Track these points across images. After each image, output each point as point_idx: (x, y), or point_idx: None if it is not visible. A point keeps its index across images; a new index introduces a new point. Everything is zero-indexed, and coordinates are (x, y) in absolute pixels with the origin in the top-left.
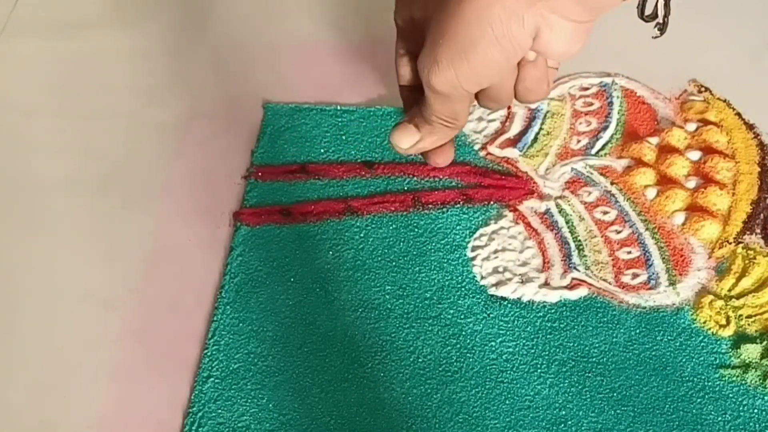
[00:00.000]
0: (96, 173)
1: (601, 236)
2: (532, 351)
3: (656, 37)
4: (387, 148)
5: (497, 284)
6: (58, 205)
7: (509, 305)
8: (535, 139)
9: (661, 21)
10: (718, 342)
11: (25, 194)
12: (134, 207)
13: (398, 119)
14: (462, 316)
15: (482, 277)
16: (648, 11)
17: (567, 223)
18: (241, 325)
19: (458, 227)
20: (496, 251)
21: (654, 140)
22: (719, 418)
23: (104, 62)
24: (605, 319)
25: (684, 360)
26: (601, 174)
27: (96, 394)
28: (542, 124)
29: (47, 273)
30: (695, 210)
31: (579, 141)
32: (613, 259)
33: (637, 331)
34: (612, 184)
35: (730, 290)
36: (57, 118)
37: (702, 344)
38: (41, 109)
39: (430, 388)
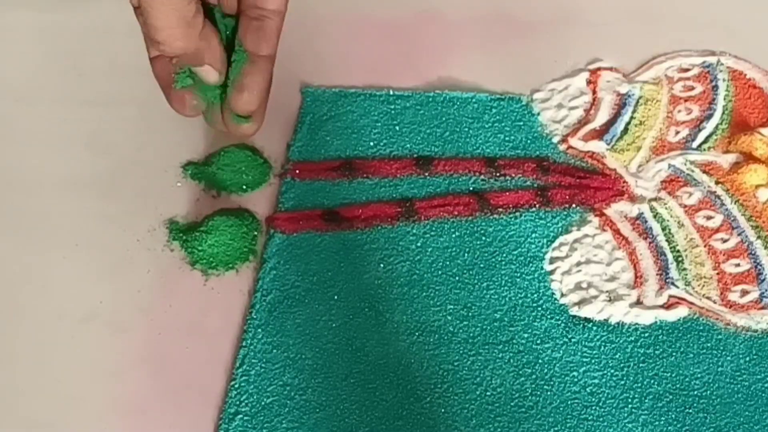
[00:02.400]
0: (102, 170)
1: (704, 246)
2: (622, 383)
3: None
4: (448, 141)
5: (580, 303)
6: (58, 208)
7: (594, 328)
8: (626, 130)
9: None
10: None
11: (19, 195)
12: (146, 210)
13: (461, 106)
14: (538, 341)
15: (562, 295)
16: None
17: (663, 230)
18: (274, 351)
19: (534, 235)
20: (578, 264)
21: (767, 131)
22: None
23: (111, 39)
24: (709, 345)
25: None
26: (704, 171)
27: None
28: (634, 112)
29: (44, 289)
30: None
31: (678, 132)
32: (718, 273)
33: (747, 358)
34: (717, 183)
35: None
36: (56, 104)
37: None
38: (37, 95)
39: (500, 427)
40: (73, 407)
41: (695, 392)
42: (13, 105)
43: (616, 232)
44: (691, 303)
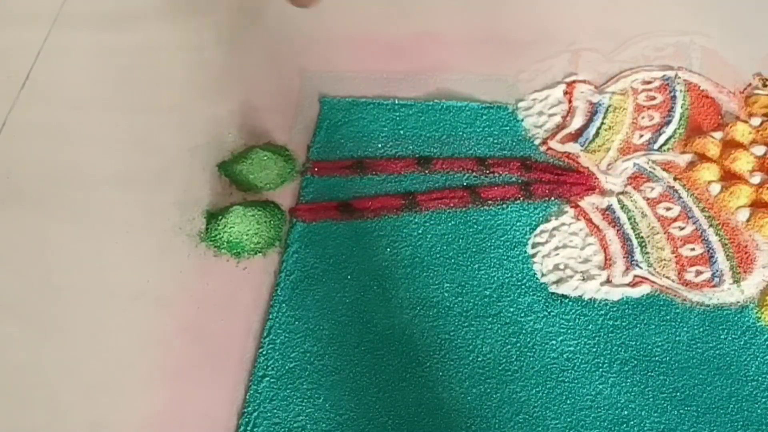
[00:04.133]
0: (149, 168)
1: (664, 233)
2: (594, 350)
3: None
4: (445, 143)
5: (558, 282)
6: (111, 200)
7: (570, 303)
8: (597, 134)
9: None
10: None
11: (77, 190)
12: (186, 202)
13: (456, 113)
14: (522, 314)
15: (543, 275)
16: None
17: (629, 219)
18: (296, 323)
19: (518, 223)
20: (557, 248)
21: (718, 135)
22: None
23: (156, 55)
24: (668, 318)
25: (748, 359)
26: (664, 169)
27: (148, 393)
28: (604, 118)
29: (99, 271)
30: (760, 206)
31: (641, 136)
32: (676, 256)
33: (701, 329)
34: (675, 179)
35: None
36: (108, 111)
37: (767, 343)
38: (92, 103)
39: (489, 388)
40: (125, 372)
41: (656, 358)
42: (71, 111)
43: (589, 221)
44: (653, 282)
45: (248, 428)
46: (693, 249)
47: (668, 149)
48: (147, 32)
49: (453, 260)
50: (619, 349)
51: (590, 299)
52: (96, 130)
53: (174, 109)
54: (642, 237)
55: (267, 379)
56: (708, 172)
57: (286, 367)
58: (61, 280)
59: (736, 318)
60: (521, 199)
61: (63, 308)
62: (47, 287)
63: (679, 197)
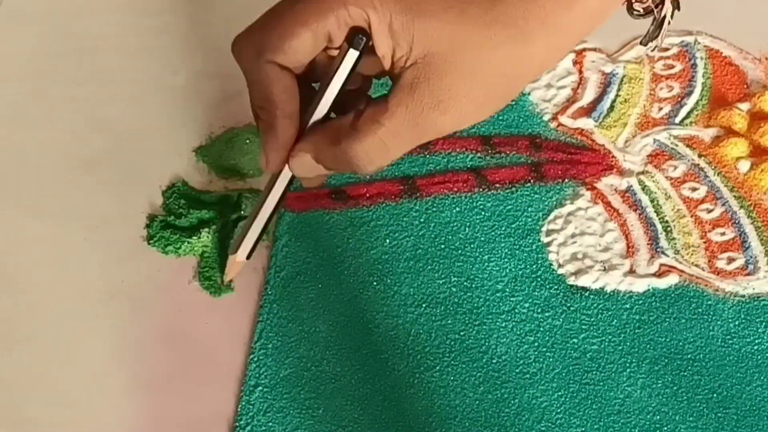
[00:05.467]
0: (116, 153)
1: (691, 216)
2: (620, 348)
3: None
4: None
5: (577, 273)
6: (76, 191)
7: (591, 296)
8: (612, 108)
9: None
10: None
11: (37, 178)
12: (154, 185)
13: None
14: (539, 310)
15: (560, 265)
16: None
17: (652, 201)
18: (290, 325)
19: (530, 209)
20: (573, 235)
21: (744, 106)
22: None
23: (100, 19)
24: (699, 310)
25: None
26: (687, 145)
27: (126, 407)
28: (619, 90)
29: (66, 271)
30: None
31: (661, 108)
32: (705, 242)
33: (736, 322)
34: (700, 156)
35: None
36: (52, 84)
37: None
38: (33, 76)
39: (506, 393)
40: (99, 383)
41: (689, 356)
42: (16, 86)
43: (608, 204)
44: (681, 271)
45: None
46: (723, 233)
47: (691, 123)
48: None
49: (459, 251)
50: (648, 346)
51: (613, 291)
52: (41, 106)
53: (137, 84)
54: (667, 221)
55: (260, 388)
56: (736, 148)
57: (281, 375)
58: (22, 283)
59: None
60: (532, 181)
61: (26, 314)
62: (7, 291)
63: (706, 176)
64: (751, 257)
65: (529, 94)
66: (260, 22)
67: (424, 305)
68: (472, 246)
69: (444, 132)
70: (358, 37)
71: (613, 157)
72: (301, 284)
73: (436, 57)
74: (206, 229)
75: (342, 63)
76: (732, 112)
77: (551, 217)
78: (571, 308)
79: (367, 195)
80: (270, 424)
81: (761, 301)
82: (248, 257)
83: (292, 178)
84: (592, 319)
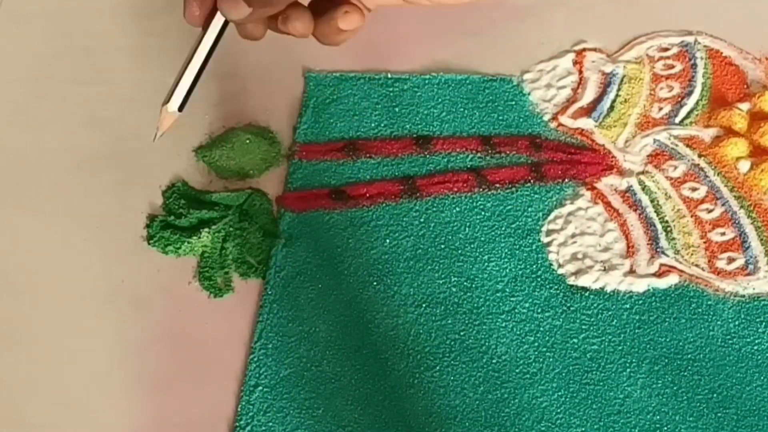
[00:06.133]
0: (117, 153)
1: (691, 216)
2: (620, 348)
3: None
4: (445, 121)
5: (577, 273)
6: (76, 191)
7: (591, 297)
8: (612, 108)
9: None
10: None
11: (38, 178)
12: (154, 185)
13: (456, 87)
14: (539, 310)
15: (560, 265)
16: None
17: (652, 201)
18: (290, 325)
19: (530, 209)
20: (573, 235)
21: (744, 106)
22: None
23: (100, 19)
24: (699, 310)
25: None
26: (687, 145)
27: (127, 408)
28: (619, 90)
29: (68, 271)
30: None
31: (661, 108)
32: (705, 242)
33: (736, 322)
34: (700, 156)
35: None
36: (52, 84)
37: None
38: (33, 76)
39: (506, 393)
40: (100, 384)
41: (689, 356)
42: (15, 86)
43: (608, 204)
44: (681, 271)
45: None
46: (723, 233)
47: (691, 123)
48: None
49: (460, 251)
50: (648, 346)
51: (613, 291)
52: (39, 106)
53: (137, 84)
54: (667, 221)
55: (260, 388)
56: (736, 148)
57: (281, 375)
58: (22, 283)
59: None
60: (532, 181)
61: (26, 314)
62: (7, 291)
63: (706, 176)
64: (751, 257)
65: (529, 94)
66: None
67: (424, 305)
68: (472, 246)
69: None
70: None
71: (613, 157)
72: (301, 284)
73: None
74: (206, 229)
75: None
76: (732, 112)
77: (551, 217)
78: (571, 308)
79: (367, 195)
80: (270, 424)
81: (761, 301)
82: (180, 109)
83: (225, 23)
84: (592, 319)
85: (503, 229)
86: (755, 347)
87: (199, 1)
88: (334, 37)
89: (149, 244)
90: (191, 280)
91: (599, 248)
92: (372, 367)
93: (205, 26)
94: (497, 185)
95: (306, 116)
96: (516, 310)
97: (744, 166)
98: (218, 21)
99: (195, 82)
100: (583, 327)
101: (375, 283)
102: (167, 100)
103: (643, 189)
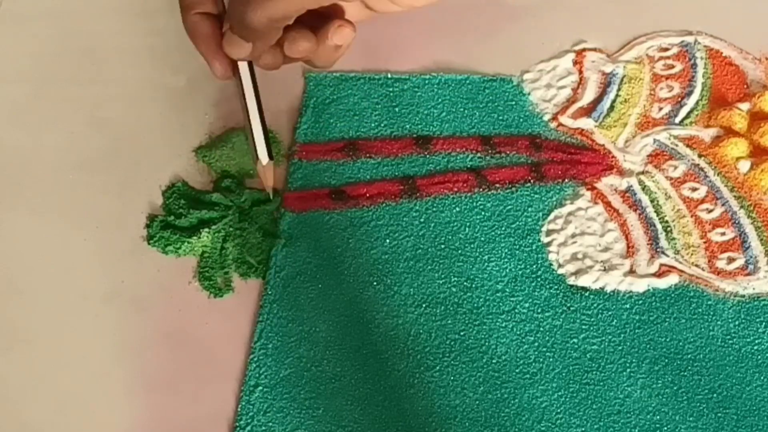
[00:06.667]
0: (117, 153)
1: (691, 216)
2: (620, 348)
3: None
4: (445, 121)
5: (577, 273)
6: (76, 191)
7: (591, 296)
8: (612, 108)
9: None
10: None
11: (38, 178)
12: (154, 185)
13: (456, 87)
14: (539, 310)
15: (560, 265)
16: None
17: (652, 201)
18: (290, 325)
19: (530, 209)
20: (573, 235)
21: (744, 106)
22: None
23: (100, 19)
24: (699, 310)
25: None
26: (687, 145)
27: (126, 407)
28: (619, 90)
29: (68, 270)
30: None
31: (661, 108)
32: (705, 242)
33: (736, 322)
34: (700, 156)
35: None
36: (52, 84)
37: None
38: (33, 76)
39: (506, 393)
40: (99, 384)
41: (689, 356)
42: (15, 86)
43: (608, 204)
44: (681, 271)
45: None
46: (723, 233)
47: (691, 123)
48: None
49: (460, 251)
50: (647, 346)
51: (613, 291)
52: (41, 107)
53: (137, 84)
54: (667, 221)
55: (260, 388)
56: (736, 148)
57: (281, 375)
58: (22, 283)
59: None
60: (532, 181)
61: (26, 314)
62: (7, 291)
63: (706, 176)
64: (751, 257)
65: (529, 94)
66: None
67: (424, 305)
68: (472, 246)
69: None
70: None
71: (613, 157)
72: (302, 284)
73: None
74: (206, 229)
75: None
76: (732, 112)
77: (551, 217)
78: (571, 308)
79: (367, 195)
80: (270, 424)
81: (761, 301)
82: (271, 157)
83: (250, 64)
84: (592, 319)
85: (503, 229)
86: (755, 347)
87: (219, 57)
88: (330, 55)
89: (149, 244)
90: (191, 280)
91: (599, 248)
92: (372, 367)
93: (236, 74)
94: (497, 185)
95: (306, 116)
96: (516, 310)
97: (744, 166)
98: (243, 65)
99: (264, 126)
100: (583, 327)
101: (375, 283)
102: (256, 158)
103: (643, 189)
